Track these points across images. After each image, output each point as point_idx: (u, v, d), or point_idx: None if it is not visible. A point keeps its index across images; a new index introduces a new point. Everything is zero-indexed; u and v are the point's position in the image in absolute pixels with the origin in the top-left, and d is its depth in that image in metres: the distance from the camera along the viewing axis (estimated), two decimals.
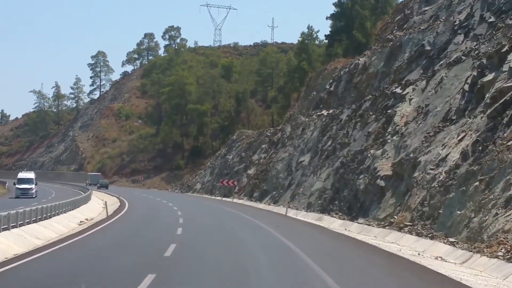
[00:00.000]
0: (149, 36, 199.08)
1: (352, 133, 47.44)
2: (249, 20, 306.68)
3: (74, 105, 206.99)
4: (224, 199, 71.20)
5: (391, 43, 62.33)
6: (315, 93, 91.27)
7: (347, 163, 42.84)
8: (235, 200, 67.00)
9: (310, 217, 40.47)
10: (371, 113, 45.50)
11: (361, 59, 74.55)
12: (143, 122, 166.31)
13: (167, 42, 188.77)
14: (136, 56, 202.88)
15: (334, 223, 35.15)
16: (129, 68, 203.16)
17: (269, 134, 76.14)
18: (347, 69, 76.26)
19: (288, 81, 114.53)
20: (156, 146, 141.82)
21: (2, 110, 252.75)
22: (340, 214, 37.97)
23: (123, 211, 46.01)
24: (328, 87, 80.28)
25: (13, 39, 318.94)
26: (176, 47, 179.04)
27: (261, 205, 56.88)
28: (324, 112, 67.07)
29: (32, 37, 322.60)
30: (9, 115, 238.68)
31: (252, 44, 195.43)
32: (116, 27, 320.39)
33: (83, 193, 60.79)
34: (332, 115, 57.29)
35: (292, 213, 45.33)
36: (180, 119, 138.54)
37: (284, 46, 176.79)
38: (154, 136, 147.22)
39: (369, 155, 38.88)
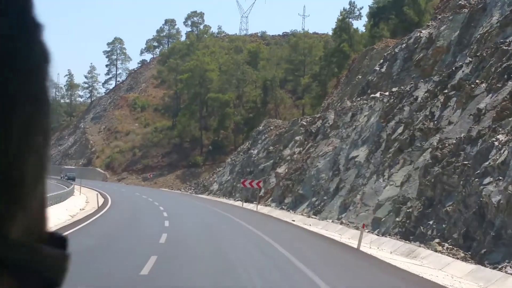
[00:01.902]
0: (170, 22, 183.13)
1: (443, 113, 30.95)
2: (278, 8, 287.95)
3: (88, 95, 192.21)
4: (245, 205, 54.77)
5: (468, 8, 47.47)
6: (360, 76, 75.27)
7: (444, 157, 26.36)
8: (260, 208, 50.68)
9: (389, 247, 23.81)
10: (477, 81, 29.00)
11: (423, 31, 59.17)
12: (160, 114, 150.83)
13: (189, 29, 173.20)
14: (155, 44, 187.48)
15: (451, 269, 18.52)
16: (148, 57, 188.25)
17: (305, 123, 59.77)
18: (404, 45, 60.65)
19: (325, 66, 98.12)
20: (172, 140, 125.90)
21: None
22: (448, 245, 21.43)
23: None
24: (378, 68, 65.32)
25: None
26: (198, 33, 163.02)
27: (297, 217, 40.39)
28: (378, 95, 50.81)
29: (45, 21, 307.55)
30: None
31: (281, 33, 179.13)
32: (135, 12, 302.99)
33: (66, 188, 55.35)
34: (399, 94, 40.79)
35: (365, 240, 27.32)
36: (199, 111, 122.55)
37: (316, 36, 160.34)
38: (171, 129, 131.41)
39: (496, 143, 22.38)
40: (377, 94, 52.05)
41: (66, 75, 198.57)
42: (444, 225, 23.41)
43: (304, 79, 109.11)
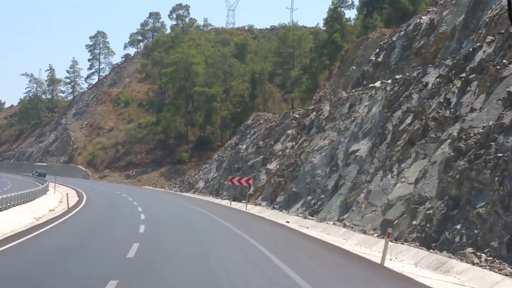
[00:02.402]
0: (155, 15, 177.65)
1: (462, 100, 26.89)
2: (266, 1, 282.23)
3: (70, 90, 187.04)
4: (233, 204, 50.53)
5: None
6: (354, 67, 71.31)
7: (470, 150, 22.31)
8: (249, 207, 46.48)
9: (411, 258, 19.62)
10: (504, 61, 24.96)
11: (424, 17, 55.59)
12: (144, 110, 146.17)
13: (174, 22, 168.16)
14: (140, 37, 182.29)
15: None
16: (131, 51, 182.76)
17: (297, 116, 55.59)
18: (402, 33, 57.02)
19: (316, 58, 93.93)
20: (156, 136, 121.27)
21: None
22: (487, 256, 17.33)
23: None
24: (374, 58, 61.87)
25: (5, 16, 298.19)
26: (184, 26, 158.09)
27: (291, 218, 36.22)
28: (378, 84, 46.87)
29: (26, 14, 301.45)
30: (4, 102, 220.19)
31: (268, 27, 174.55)
32: (118, 5, 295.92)
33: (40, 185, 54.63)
34: (405, 81, 36.70)
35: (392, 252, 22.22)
36: (184, 105, 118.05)
37: (305, 30, 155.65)
38: (155, 125, 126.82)
39: None
40: (377, 83, 48.05)
41: (47, 69, 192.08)
42: (476, 231, 19.33)
43: (294, 72, 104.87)
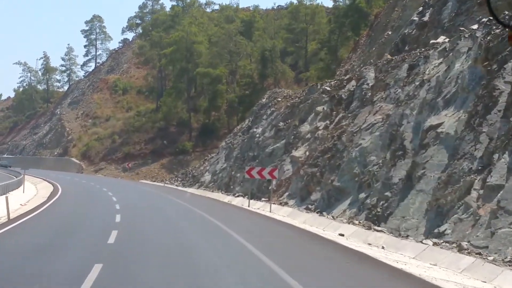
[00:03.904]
0: None
1: None
2: None
3: (66, 79, 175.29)
4: (252, 203, 38.16)
5: None
6: (390, 32, 59.32)
7: None
8: (274, 209, 34.28)
9: None
10: None
11: None
12: (143, 97, 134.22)
13: (174, 3, 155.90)
14: (138, 21, 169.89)
15: None
16: (130, 35, 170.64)
17: (328, 88, 43.35)
18: None
19: (335, 29, 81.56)
20: (156, 124, 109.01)
21: None
22: None
23: None
24: (416, 18, 49.85)
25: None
26: (184, 6, 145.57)
27: (346, 228, 23.92)
28: (441, 40, 35.00)
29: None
30: (1, 94, 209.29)
31: (275, 7, 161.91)
32: None
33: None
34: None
35: None
36: (186, 89, 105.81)
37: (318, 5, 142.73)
38: (155, 112, 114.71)
39: None
40: (440, 39, 35.91)
41: (41, 57, 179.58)
42: None
43: (311, 45, 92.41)
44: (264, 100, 57.19)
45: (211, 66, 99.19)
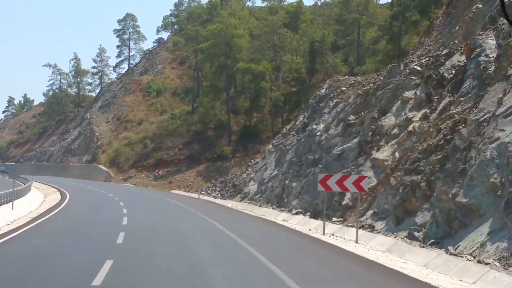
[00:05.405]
0: None
1: None
2: None
3: (98, 82, 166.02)
4: (328, 229, 26.47)
5: None
6: (480, 5, 47.82)
7: None
8: (362, 239, 22.84)
9: None
10: None
11: None
12: (179, 99, 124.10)
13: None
14: (173, 20, 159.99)
15: None
16: (165, 35, 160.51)
17: (418, 67, 31.93)
18: None
19: (398, 14, 70.04)
20: (192, 127, 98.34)
21: (25, 95, 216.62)
22: None
23: None
24: None
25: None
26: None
27: None
28: None
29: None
30: (33, 100, 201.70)
31: (319, 3, 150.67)
32: None
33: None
34: None
35: None
36: (225, 88, 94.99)
37: None
38: (190, 114, 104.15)
39: None
40: None
41: (72, 59, 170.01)
42: None
43: (370, 33, 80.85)
44: (323, 91, 45.78)
45: (253, 61, 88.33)
